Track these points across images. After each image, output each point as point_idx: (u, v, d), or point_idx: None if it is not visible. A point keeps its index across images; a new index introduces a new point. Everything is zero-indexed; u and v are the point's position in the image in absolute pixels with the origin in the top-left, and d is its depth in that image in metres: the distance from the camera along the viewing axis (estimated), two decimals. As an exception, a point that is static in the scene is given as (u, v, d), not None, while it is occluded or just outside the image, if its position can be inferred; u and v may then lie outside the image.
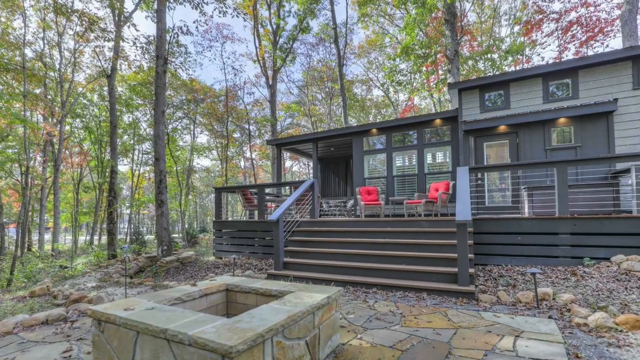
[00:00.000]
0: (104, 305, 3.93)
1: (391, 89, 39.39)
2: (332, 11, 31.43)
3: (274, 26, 31.25)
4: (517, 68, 29.70)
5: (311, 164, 22.69)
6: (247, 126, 36.65)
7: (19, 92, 21.82)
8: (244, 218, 14.94)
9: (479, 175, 12.21)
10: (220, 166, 42.89)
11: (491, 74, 26.42)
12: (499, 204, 12.18)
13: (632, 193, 8.24)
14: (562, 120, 11.03)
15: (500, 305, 6.22)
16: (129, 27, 23.29)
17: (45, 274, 16.02)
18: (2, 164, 25.78)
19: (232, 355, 2.55)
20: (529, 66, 29.02)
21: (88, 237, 38.44)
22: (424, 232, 8.99)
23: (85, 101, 30.55)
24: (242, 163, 45.55)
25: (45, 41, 26.31)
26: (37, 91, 26.19)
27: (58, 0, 20.71)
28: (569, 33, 27.82)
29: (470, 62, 30.09)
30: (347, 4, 33.27)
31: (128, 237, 36.48)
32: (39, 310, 7.90)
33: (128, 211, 43.67)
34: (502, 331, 4.83)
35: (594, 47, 27.33)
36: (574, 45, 28.23)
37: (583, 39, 27.26)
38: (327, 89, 42.22)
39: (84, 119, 31.05)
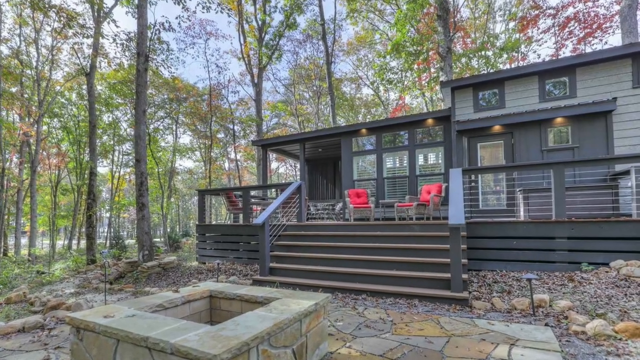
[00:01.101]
0: (82, 312, 3.91)
1: (381, 88, 39.59)
2: (320, 6, 31.42)
3: (260, 22, 31.19)
4: (512, 66, 29.90)
5: (298, 165, 22.67)
6: (231, 126, 36.57)
7: (-6, 91, 21.63)
8: (228, 222, 14.91)
9: (473, 177, 12.23)
10: (203, 168, 42.89)
11: (485, 72, 26.67)
12: (493, 207, 12.22)
13: (631, 196, 8.24)
14: (559, 120, 11.10)
15: (494, 312, 6.21)
16: (108, 23, 23.05)
17: (22, 280, 15.87)
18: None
19: (215, 364, 2.52)
20: (524, 64, 29.28)
21: (66, 242, 38.36)
22: (415, 236, 8.97)
23: (63, 100, 30.57)
24: (226, 164, 45.47)
25: (22, 38, 26.29)
26: (13, 90, 26.06)
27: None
28: (566, 29, 28.07)
29: (463, 60, 30.33)
30: (335, -1, 33.39)
31: (108, 242, 36.50)
32: (15, 317, 7.87)
33: (108, 214, 43.54)
34: (497, 339, 4.81)
35: (592, 44, 27.59)
36: (571, 42, 28.49)
37: (581, 35, 27.49)
38: (314, 88, 42.19)
39: (62, 119, 31.11)
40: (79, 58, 24.35)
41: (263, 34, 31.18)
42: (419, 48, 25.94)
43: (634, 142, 10.22)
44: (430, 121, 13.53)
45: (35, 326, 6.16)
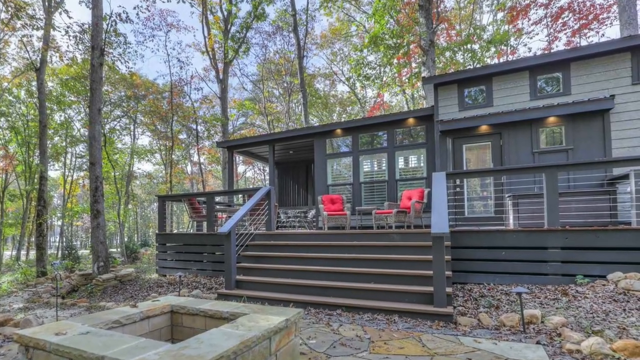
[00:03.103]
0: (32, 329, 3.89)
1: (358, 84, 39.88)
2: (292, -5, 31.56)
3: (225, 13, 31.26)
4: (501, 60, 30.32)
5: (267, 169, 22.69)
6: (194, 126, 36.66)
7: None
8: (191, 230, 14.83)
9: (458, 182, 12.32)
10: (164, 171, 43.21)
11: (471, 67, 26.91)
12: (480, 214, 12.32)
13: (630, 202, 8.30)
14: (551, 119, 11.25)
15: (481, 329, 6.24)
16: (60, 13, 23.34)
17: (-35, 294, 15.80)
18: None
19: (177, 386, 2.49)
20: (514, 58, 29.64)
21: (14, 252, 38.64)
22: (395, 246, 8.99)
23: (11, 98, 30.55)
24: (189, 168, 45.55)
25: (-36, 30, 25.87)
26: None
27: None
28: (560, 21, 28.53)
29: (447, 54, 30.66)
30: (307, -13, 33.50)
31: (60, 252, 36.74)
32: (-42, 335, 7.82)
33: (60, 222, 43.87)
34: (484, 358, 4.81)
35: (588, 37, 28.14)
36: (565, 34, 29.00)
37: (575, 27, 28.00)
38: (285, 84, 42.38)
39: (9, 118, 31.12)
40: (28, 52, 24.53)
41: (229, 26, 31.25)
42: (399, 41, 26.12)
43: (633, 143, 10.32)
44: (411, 121, 13.61)
45: (-20, 345, 6.17)
